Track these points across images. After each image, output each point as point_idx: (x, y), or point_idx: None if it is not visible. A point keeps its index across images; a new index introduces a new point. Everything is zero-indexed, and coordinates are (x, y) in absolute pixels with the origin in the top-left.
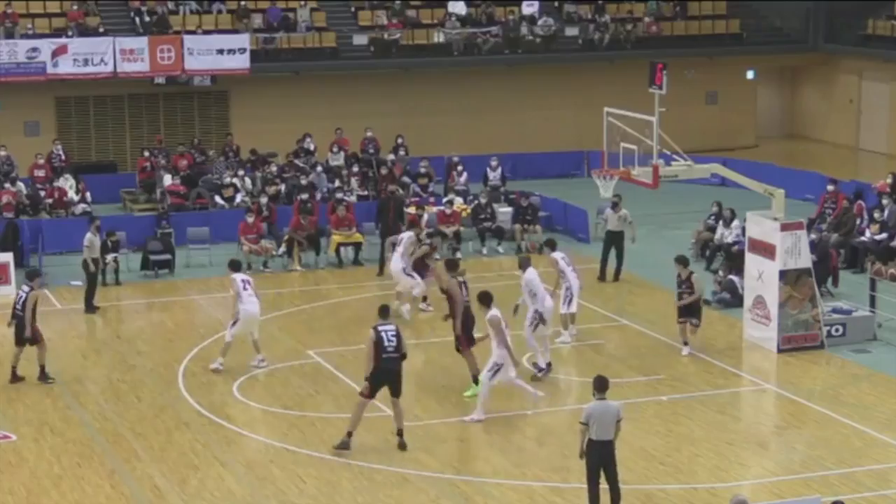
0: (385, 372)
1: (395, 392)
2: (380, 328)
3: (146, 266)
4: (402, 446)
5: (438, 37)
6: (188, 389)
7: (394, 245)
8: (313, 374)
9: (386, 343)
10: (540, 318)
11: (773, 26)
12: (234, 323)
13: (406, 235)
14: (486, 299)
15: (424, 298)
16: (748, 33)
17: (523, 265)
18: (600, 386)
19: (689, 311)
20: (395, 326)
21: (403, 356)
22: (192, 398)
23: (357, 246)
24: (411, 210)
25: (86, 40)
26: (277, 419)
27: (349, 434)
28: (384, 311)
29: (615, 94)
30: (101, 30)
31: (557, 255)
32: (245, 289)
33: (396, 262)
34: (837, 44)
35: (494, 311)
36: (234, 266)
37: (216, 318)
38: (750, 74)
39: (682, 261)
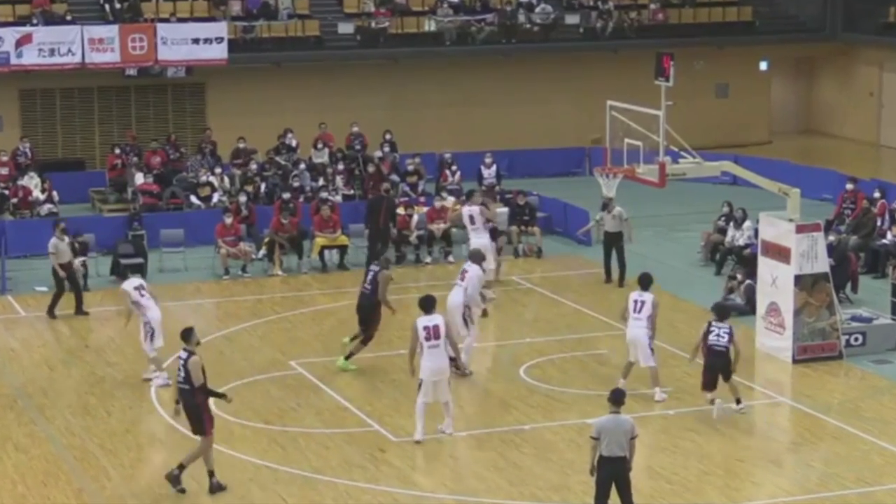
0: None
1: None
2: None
3: (116, 271)
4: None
5: (429, 25)
6: (162, 403)
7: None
8: (295, 387)
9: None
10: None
11: (788, 14)
12: (151, 335)
13: (475, 271)
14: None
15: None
16: (761, 21)
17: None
18: (616, 399)
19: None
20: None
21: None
22: (165, 412)
23: (342, 249)
24: (400, 210)
25: (52, 29)
26: (257, 435)
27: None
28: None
29: (619, 87)
30: (69, 17)
31: None
32: (143, 295)
33: (457, 296)
34: (857, 33)
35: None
36: (122, 274)
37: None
38: (763, 65)
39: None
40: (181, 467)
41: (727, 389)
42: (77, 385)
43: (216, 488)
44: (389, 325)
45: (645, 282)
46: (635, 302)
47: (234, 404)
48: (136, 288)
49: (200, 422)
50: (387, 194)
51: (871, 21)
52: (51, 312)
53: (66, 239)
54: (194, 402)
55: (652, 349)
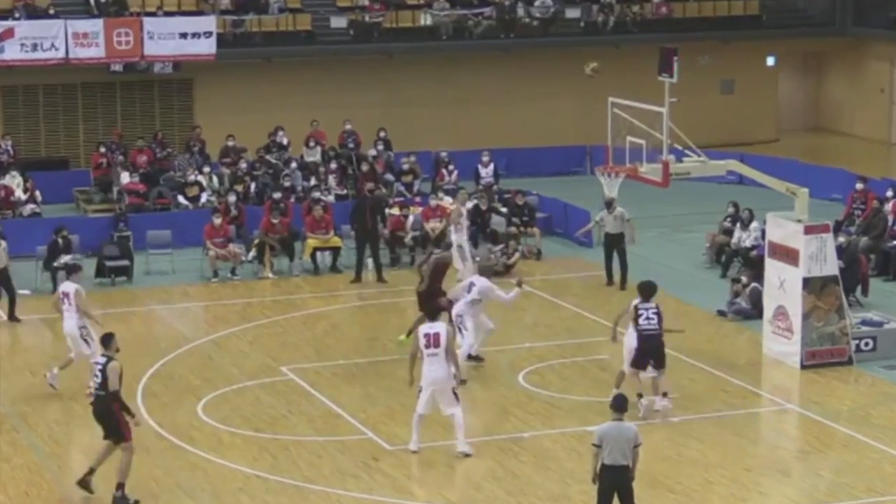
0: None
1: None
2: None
3: (101, 273)
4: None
5: (425, 19)
6: (148, 409)
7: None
8: (286, 393)
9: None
10: None
11: (796, 7)
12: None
13: (482, 284)
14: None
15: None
16: (768, 15)
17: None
18: (618, 406)
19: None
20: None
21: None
22: (153, 419)
23: (335, 251)
24: (395, 211)
25: (35, 23)
26: (247, 443)
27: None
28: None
29: (621, 83)
30: (52, 11)
31: None
32: (63, 302)
33: (459, 307)
34: (867, 27)
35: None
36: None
37: (179, 331)
38: (770, 61)
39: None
40: (120, 487)
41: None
42: (61, 392)
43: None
44: (384, 331)
45: (647, 292)
46: (638, 312)
47: (223, 411)
48: (64, 294)
49: (116, 428)
50: (370, 194)
51: (882, 15)
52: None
53: (3, 244)
54: (109, 408)
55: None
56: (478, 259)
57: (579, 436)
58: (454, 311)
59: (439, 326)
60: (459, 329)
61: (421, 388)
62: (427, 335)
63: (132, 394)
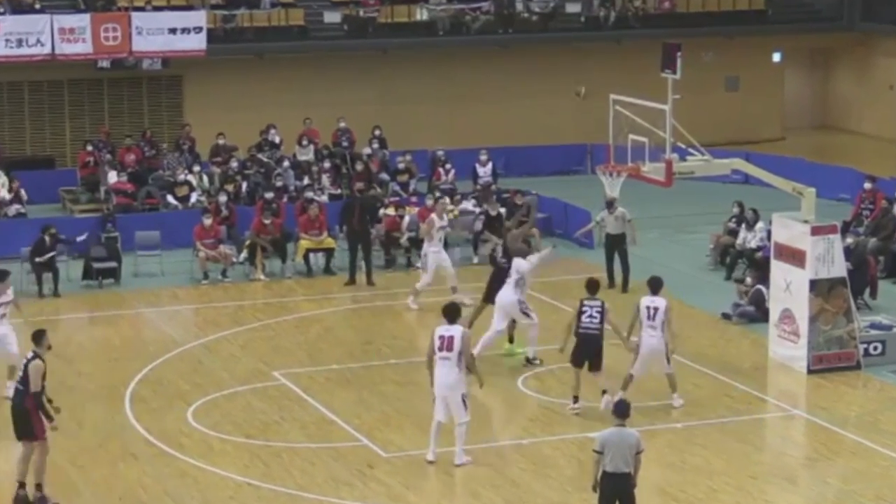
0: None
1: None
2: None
3: (88, 275)
4: None
5: (421, 14)
6: (136, 415)
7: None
8: (279, 399)
9: None
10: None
11: (803, 2)
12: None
13: (525, 265)
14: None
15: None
16: (774, 10)
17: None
18: (620, 412)
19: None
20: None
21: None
22: (141, 425)
23: (328, 252)
24: (390, 212)
25: (20, 18)
26: (238, 450)
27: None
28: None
29: (623, 80)
30: (38, 6)
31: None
32: None
33: (509, 294)
34: (876, 22)
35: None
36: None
37: (168, 335)
38: (776, 57)
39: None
40: (39, 487)
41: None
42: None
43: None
44: (379, 334)
45: (655, 285)
46: (647, 309)
47: (214, 418)
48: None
49: (29, 425)
50: (360, 194)
51: (891, 9)
52: None
53: None
54: (24, 405)
55: (668, 356)
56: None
57: (580, 442)
58: (511, 300)
59: (455, 330)
60: (527, 314)
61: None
62: (442, 337)
63: (120, 399)
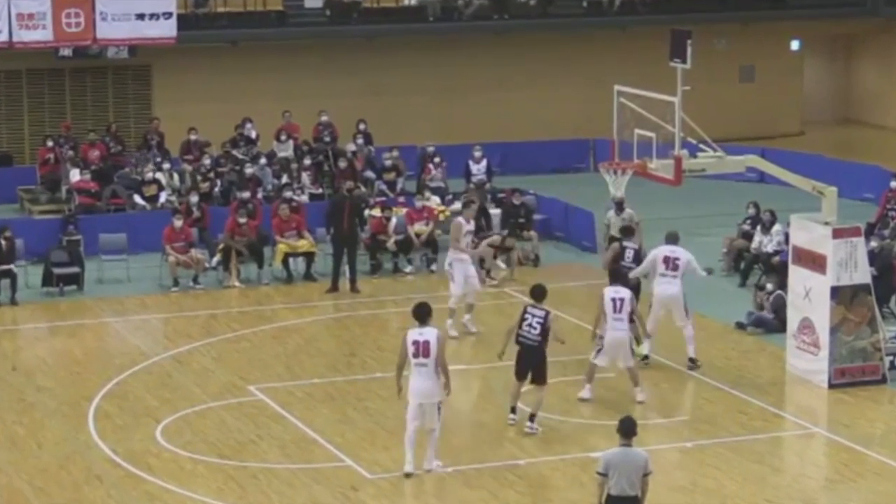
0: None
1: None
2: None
3: (49, 282)
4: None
5: None
6: (101, 434)
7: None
8: (255, 416)
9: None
10: None
11: None
12: None
13: (682, 254)
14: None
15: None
16: None
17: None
18: (626, 430)
19: None
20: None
21: None
22: (106, 444)
23: (309, 257)
24: (375, 213)
25: None
26: (211, 470)
27: None
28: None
29: (628, 70)
30: None
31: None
32: None
33: (674, 287)
34: None
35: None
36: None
37: (135, 346)
38: (794, 45)
39: None
40: None
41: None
42: (3, 414)
43: None
44: (364, 346)
45: (613, 275)
46: (613, 300)
47: (185, 436)
48: None
49: None
50: (349, 194)
51: None
52: None
53: None
54: None
55: (632, 349)
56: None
57: (582, 463)
58: (675, 293)
59: (430, 333)
60: (686, 311)
61: (408, 402)
62: (416, 343)
63: (83, 415)
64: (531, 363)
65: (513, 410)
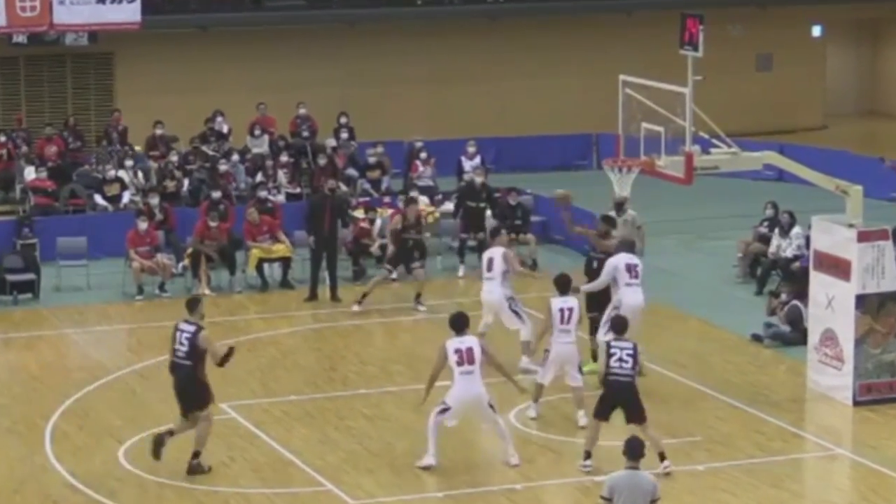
0: None
1: None
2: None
3: (1, 289)
4: None
5: None
6: (58, 455)
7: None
8: (227, 436)
9: None
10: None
11: None
12: None
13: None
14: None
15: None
16: None
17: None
18: (633, 452)
19: None
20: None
21: None
22: (64, 467)
23: (285, 262)
24: (359, 214)
25: None
26: (179, 496)
27: None
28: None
29: (634, 58)
30: None
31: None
32: None
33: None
34: None
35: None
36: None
37: (96, 360)
38: (816, 31)
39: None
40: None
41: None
42: None
43: None
44: (345, 360)
45: (564, 284)
46: (561, 311)
47: (150, 459)
48: None
49: None
50: (331, 193)
51: None
52: None
53: None
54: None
55: (580, 366)
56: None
57: (585, 487)
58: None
59: (471, 340)
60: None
61: (450, 407)
62: (459, 351)
63: (39, 435)
64: (623, 401)
65: (588, 456)
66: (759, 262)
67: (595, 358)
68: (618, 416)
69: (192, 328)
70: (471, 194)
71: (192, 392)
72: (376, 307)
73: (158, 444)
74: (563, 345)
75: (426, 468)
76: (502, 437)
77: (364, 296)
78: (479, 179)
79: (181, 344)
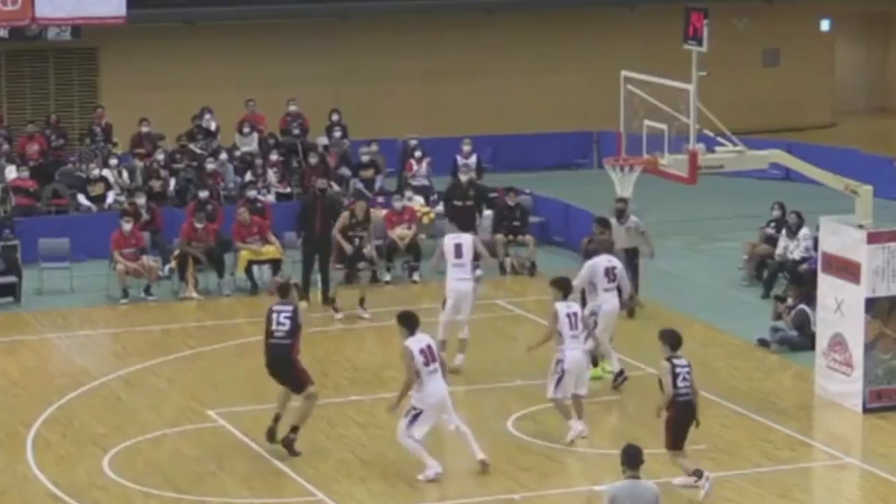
0: None
1: None
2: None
3: None
4: None
5: None
6: (40, 464)
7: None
8: (215, 444)
9: None
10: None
11: None
12: None
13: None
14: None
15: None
16: None
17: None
18: (631, 460)
19: None
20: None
21: None
22: (47, 476)
23: (275, 264)
24: None
25: None
26: None
27: None
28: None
29: (637, 53)
30: None
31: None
32: None
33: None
34: None
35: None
36: None
37: (79, 366)
38: (824, 25)
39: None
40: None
41: None
42: None
43: None
44: (337, 365)
45: (566, 287)
46: (568, 317)
47: (136, 468)
48: None
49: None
50: (322, 193)
51: None
52: None
53: None
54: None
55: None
56: None
57: (585, 497)
58: None
59: (427, 338)
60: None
61: (421, 411)
62: (423, 351)
63: (20, 444)
64: (693, 421)
65: (699, 474)
66: (765, 265)
67: (596, 364)
68: (615, 420)
69: (289, 307)
70: (457, 193)
71: (291, 371)
72: (369, 310)
73: (272, 434)
74: (577, 351)
75: (434, 479)
76: (464, 436)
77: (332, 301)
78: (464, 178)
79: (280, 324)
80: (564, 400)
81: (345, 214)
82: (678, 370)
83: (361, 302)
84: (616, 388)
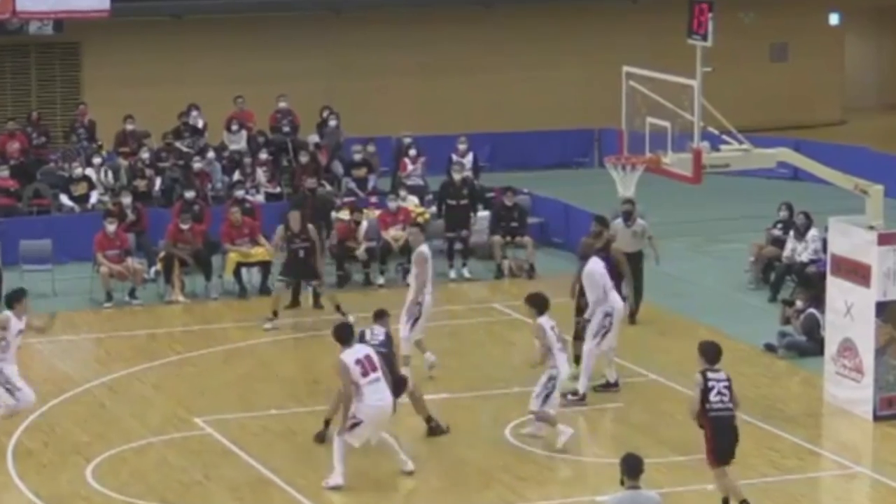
0: None
1: None
2: None
3: None
4: None
5: None
6: (21, 474)
7: None
8: (202, 453)
9: None
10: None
11: None
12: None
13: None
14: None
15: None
16: None
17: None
18: (632, 469)
19: None
20: None
21: None
22: (28, 486)
23: (265, 266)
24: (343, 215)
25: None
26: None
27: None
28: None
29: (639, 48)
30: None
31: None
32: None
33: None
34: None
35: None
36: None
37: (62, 372)
38: (834, 19)
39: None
40: None
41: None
42: None
43: None
44: (329, 371)
45: (544, 304)
46: (553, 329)
47: (120, 477)
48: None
49: None
50: (311, 193)
51: None
52: None
53: None
54: None
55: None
56: None
57: None
58: None
59: (365, 348)
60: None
61: (361, 421)
62: (360, 361)
63: (1, 452)
64: (736, 437)
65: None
66: (772, 267)
67: (578, 362)
68: (616, 428)
69: (383, 330)
70: (451, 192)
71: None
72: (362, 314)
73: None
74: (566, 365)
75: (335, 488)
76: (391, 447)
77: (274, 314)
78: (458, 176)
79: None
80: (549, 409)
81: (280, 227)
82: (712, 384)
83: (315, 300)
84: (596, 391)
